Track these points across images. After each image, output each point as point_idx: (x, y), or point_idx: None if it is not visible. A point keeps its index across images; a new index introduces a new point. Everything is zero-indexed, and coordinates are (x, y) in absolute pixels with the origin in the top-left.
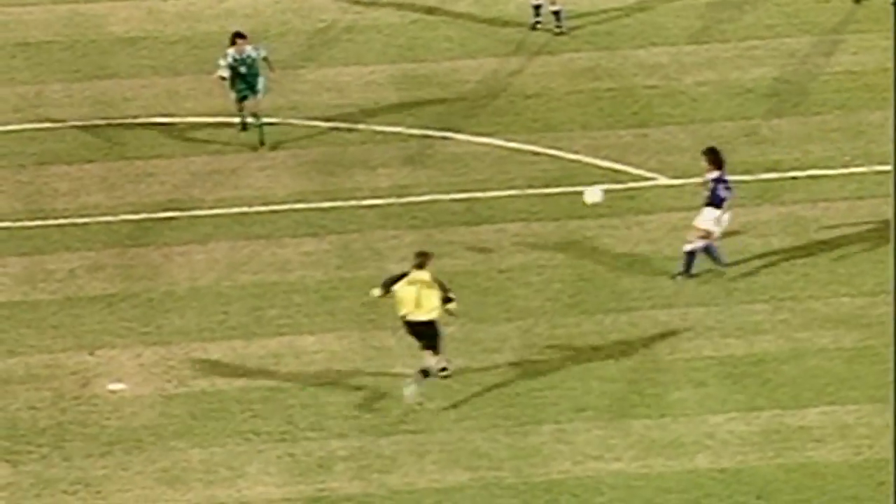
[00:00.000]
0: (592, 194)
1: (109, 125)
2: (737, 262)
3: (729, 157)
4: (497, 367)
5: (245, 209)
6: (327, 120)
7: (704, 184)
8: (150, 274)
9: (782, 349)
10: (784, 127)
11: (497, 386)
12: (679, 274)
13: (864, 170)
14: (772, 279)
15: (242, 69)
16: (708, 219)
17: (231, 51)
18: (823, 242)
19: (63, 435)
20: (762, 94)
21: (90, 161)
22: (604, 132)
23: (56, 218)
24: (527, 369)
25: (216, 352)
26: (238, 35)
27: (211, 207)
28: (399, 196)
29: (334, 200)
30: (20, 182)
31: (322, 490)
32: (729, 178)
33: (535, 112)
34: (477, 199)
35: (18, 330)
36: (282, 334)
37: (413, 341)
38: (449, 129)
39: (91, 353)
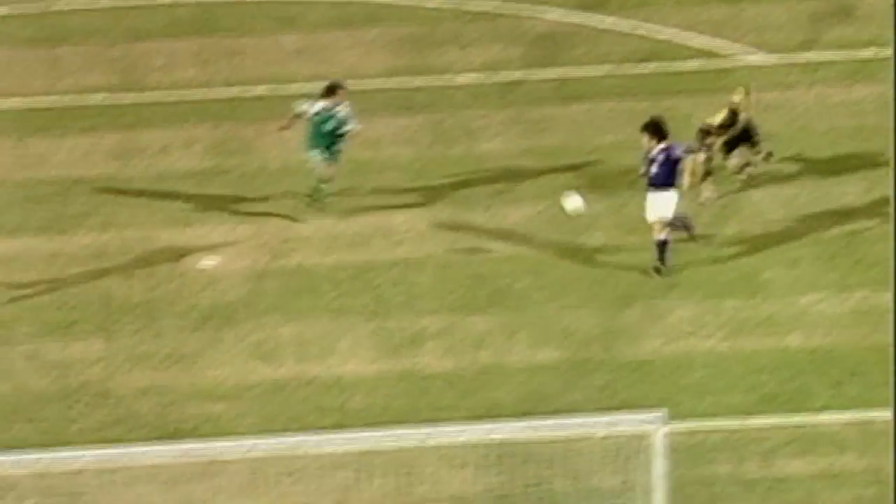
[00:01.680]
0: (572, 201)
1: (202, 1)
2: (830, 142)
3: (823, 35)
4: (589, 245)
5: None
6: None
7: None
8: (243, 149)
9: (875, 228)
10: (879, 4)
11: (588, 264)
12: (659, 267)
13: None
14: (866, 159)
15: (329, 125)
16: (668, 206)
17: (322, 102)
18: None
19: (156, 310)
20: None
21: (183, 36)
22: (697, 8)
23: (149, 93)
24: (618, 247)
25: (307, 229)
26: (336, 86)
27: (303, 83)
28: (491, 74)
29: (426, 77)
30: (113, 57)
31: (413, 366)
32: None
33: None
34: (569, 77)
35: (112, 204)
36: (372, 212)
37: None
38: (541, 5)
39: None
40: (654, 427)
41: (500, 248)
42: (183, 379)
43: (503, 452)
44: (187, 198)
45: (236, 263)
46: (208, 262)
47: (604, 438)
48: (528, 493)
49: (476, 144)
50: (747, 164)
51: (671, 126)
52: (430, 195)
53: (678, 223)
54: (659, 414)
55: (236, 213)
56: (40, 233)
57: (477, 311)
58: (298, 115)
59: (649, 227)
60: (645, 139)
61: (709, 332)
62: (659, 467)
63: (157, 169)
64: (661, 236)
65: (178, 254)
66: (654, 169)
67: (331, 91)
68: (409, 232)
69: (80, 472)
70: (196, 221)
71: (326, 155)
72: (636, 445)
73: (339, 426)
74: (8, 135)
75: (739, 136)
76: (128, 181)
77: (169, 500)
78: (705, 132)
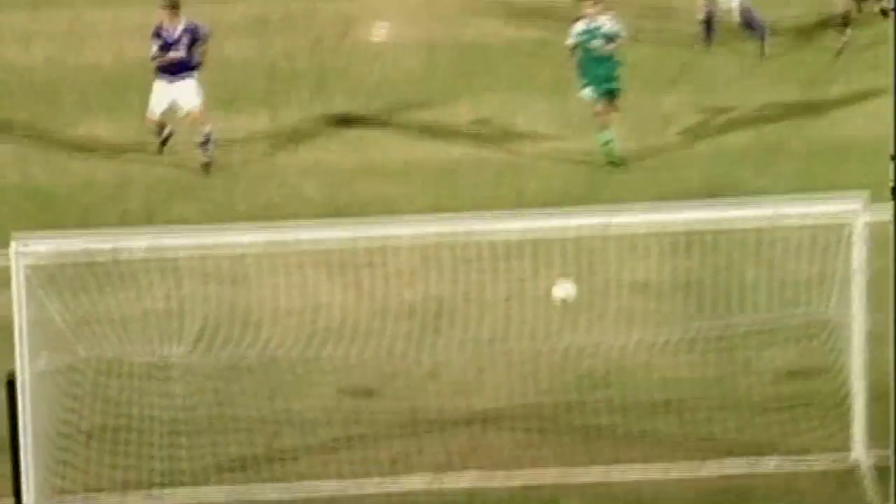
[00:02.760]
0: (563, 289)
1: None
2: None
3: None
4: (781, 25)
5: None
6: None
7: None
8: None
9: None
10: None
11: (780, 41)
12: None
13: None
14: None
15: (594, 44)
16: None
17: (580, 24)
18: None
19: (322, 82)
20: None
21: None
22: None
23: None
24: (812, 25)
25: None
26: None
27: None
28: None
29: None
30: None
31: (594, 146)
32: None
33: None
34: None
35: None
36: None
37: None
38: None
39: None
40: (854, 213)
41: (685, 22)
42: (351, 156)
43: (690, 240)
44: None
45: (407, 34)
46: (378, 32)
47: (800, 224)
48: (717, 282)
49: None
50: None
51: None
52: None
53: (752, 21)
54: (860, 199)
55: None
56: (199, 0)
57: (663, 88)
58: (574, 49)
59: None
60: None
61: None
62: (859, 256)
63: None
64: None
65: (347, 23)
66: None
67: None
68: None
69: (242, 255)
70: None
71: (602, 90)
72: (835, 233)
73: (515, 211)
74: None
75: None
76: None
77: (336, 286)
78: None
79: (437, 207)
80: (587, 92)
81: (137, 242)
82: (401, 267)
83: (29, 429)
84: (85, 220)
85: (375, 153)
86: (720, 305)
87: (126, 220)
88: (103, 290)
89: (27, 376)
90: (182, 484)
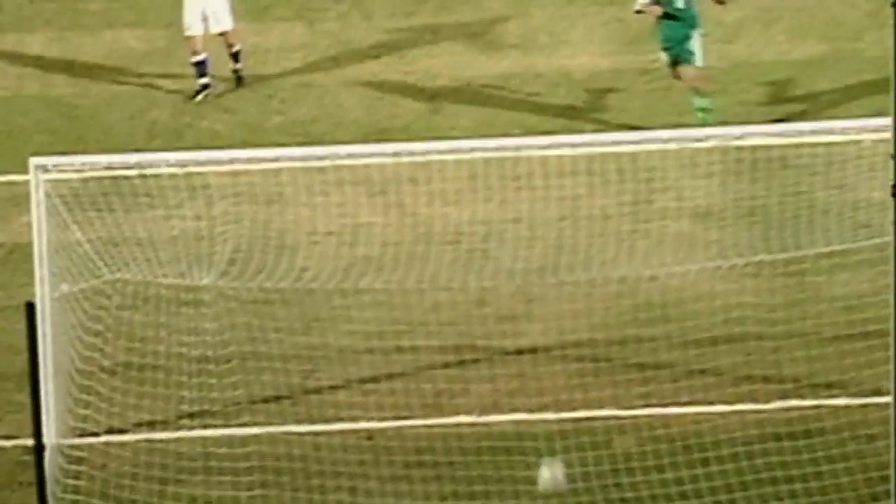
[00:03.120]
0: (551, 473)
1: None
2: None
3: None
4: None
5: None
6: None
7: None
8: None
9: None
10: None
11: None
12: None
13: None
14: None
15: (677, 2)
16: None
17: None
18: None
19: None
20: None
21: None
22: None
23: None
24: None
25: None
26: None
27: None
28: None
29: None
30: None
31: (653, 61)
32: None
33: None
34: None
35: None
36: None
37: None
38: None
39: None
40: None
41: None
42: (394, 71)
43: (756, 159)
44: None
45: None
46: None
47: (874, 143)
48: (785, 204)
49: None
50: None
51: None
52: None
53: None
54: None
55: None
56: None
57: None
58: (640, 12)
59: None
60: None
61: None
62: None
63: None
64: None
65: None
66: None
67: None
68: None
69: (278, 172)
70: None
71: (681, 56)
72: None
73: (567, 129)
74: None
75: None
76: None
77: (376, 206)
78: None
79: (483, 124)
80: (662, 57)
81: (166, 166)
82: (446, 187)
83: (49, 355)
84: (110, 135)
85: (421, 66)
86: (787, 230)
87: (153, 135)
88: (129, 210)
89: (48, 302)
90: (213, 425)
